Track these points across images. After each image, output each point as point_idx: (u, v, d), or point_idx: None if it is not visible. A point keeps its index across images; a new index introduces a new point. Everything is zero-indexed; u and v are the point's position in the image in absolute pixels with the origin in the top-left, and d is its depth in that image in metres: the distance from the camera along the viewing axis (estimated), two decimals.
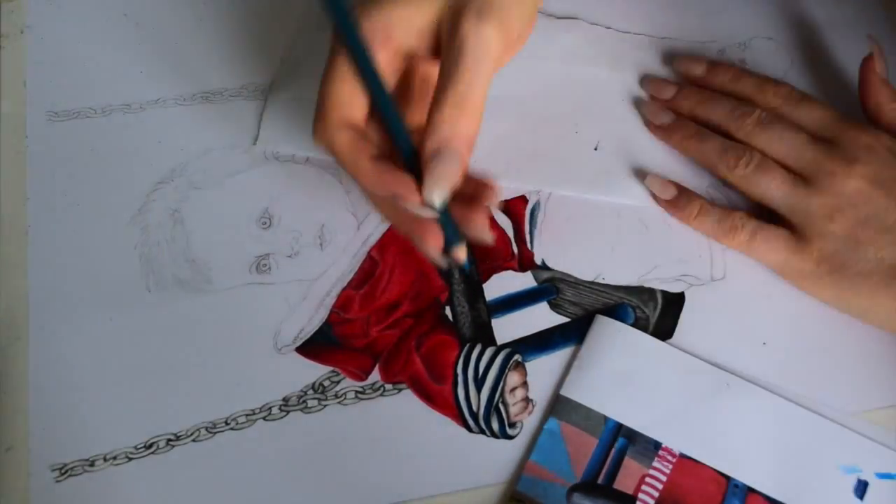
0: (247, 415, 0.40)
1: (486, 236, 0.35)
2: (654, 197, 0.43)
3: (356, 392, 0.40)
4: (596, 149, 0.44)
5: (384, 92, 0.31)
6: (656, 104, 0.45)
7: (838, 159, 0.39)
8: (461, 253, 0.35)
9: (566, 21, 0.48)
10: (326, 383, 0.40)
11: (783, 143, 0.40)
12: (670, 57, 0.47)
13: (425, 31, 0.35)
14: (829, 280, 0.39)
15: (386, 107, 0.32)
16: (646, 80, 0.46)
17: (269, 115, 0.47)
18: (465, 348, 0.41)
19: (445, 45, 0.34)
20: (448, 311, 0.42)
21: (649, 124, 0.45)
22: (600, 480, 0.37)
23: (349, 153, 0.34)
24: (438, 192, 0.32)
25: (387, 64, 0.36)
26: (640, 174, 0.43)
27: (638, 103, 0.46)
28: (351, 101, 0.34)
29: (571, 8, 0.48)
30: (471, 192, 0.35)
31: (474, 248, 0.43)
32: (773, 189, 0.40)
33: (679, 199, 0.42)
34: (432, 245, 0.35)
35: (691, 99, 0.44)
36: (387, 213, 0.38)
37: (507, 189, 0.44)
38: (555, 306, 0.42)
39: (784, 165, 0.40)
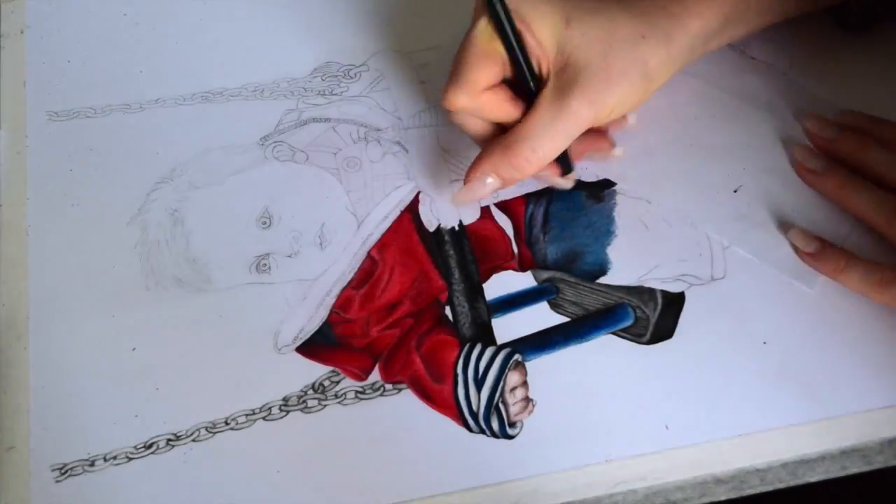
0: (247, 415, 0.40)
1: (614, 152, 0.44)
2: (796, 250, 0.42)
3: (356, 392, 0.40)
4: (735, 191, 0.43)
5: (518, 34, 0.38)
6: (809, 148, 0.44)
7: None
8: (571, 177, 0.43)
9: (758, 63, 0.47)
10: (326, 383, 0.40)
11: None
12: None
13: (543, 47, 0.38)
14: None
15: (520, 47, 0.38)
16: (806, 114, 0.45)
17: None
18: (465, 348, 0.41)
19: (549, 99, 0.38)
20: (448, 310, 0.42)
21: (798, 166, 0.43)
22: None
23: (494, 103, 0.39)
24: (460, 202, 0.42)
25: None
26: (784, 226, 0.42)
27: (789, 146, 0.44)
28: (486, 67, 0.38)
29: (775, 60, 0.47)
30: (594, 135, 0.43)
31: (474, 248, 0.43)
32: None
33: (823, 253, 0.41)
34: (551, 173, 0.42)
35: (852, 143, 0.43)
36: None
37: (631, 197, 0.44)
38: (555, 306, 0.41)
39: None
